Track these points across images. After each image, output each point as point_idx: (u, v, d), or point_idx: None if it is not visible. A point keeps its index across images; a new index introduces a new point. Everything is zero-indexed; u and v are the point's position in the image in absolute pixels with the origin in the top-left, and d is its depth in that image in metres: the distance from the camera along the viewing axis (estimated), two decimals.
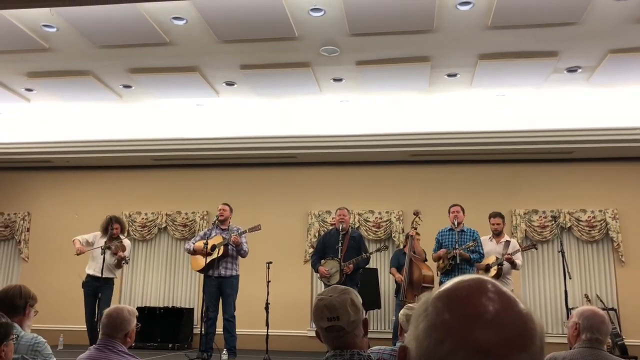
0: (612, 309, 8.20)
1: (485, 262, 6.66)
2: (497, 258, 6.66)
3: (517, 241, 7.68)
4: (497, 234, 6.92)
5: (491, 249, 6.79)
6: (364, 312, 2.14)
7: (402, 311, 3.51)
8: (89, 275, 7.00)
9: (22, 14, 5.92)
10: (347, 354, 2.02)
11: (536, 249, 7.54)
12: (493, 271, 6.59)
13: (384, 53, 6.72)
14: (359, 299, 2.13)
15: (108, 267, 6.93)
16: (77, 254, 7.01)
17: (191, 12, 5.82)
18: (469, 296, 0.75)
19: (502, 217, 6.97)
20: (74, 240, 7.14)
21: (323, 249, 6.84)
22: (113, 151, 9.14)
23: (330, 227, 7.71)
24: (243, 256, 6.82)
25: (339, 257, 6.48)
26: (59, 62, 7.10)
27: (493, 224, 6.92)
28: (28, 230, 9.81)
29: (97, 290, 6.90)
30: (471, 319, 0.72)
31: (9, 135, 9.27)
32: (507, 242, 6.86)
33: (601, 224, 8.55)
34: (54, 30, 6.26)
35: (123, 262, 7.02)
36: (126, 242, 7.21)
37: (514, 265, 6.71)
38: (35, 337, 2.92)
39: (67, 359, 3.83)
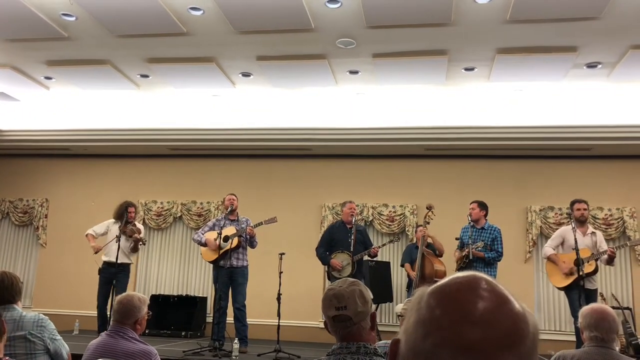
0: (628, 308, 8.10)
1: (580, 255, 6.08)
2: (592, 253, 6.11)
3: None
4: (581, 223, 6.31)
5: (580, 241, 6.06)
6: (372, 306, 2.14)
7: (399, 305, 3.51)
8: (105, 262, 7.11)
9: (42, 3, 5.98)
10: (354, 346, 2.02)
11: (627, 245, 6.99)
12: (590, 267, 5.96)
13: (401, 46, 6.67)
14: (368, 292, 2.14)
15: (124, 252, 7.02)
16: (95, 252, 7.12)
17: (208, 2, 5.83)
18: (458, 292, 0.74)
19: (587, 202, 6.36)
20: (87, 235, 7.24)
21: (330, 242, 6.84)
22: (130, 140, 9.23)
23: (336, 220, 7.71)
24: (253, 247, 6.86)
25: (350, 250, 6.48)
26: (78, 50, 7.17)
27: (579, 209, 6.28)
28: (46, 216, 9.96)
29: (113, 277, 7.02)
30: (458, 315, 0.71)
31: (28, 123, 9.40)
32: (593, 234, 6.35)
33: (618, 222, 8.44)
34: (73, 19, 6.31)
35: (140, 243, 7.14)
36: (139, 225, 7.40)
37: (611, 261, 6.15)
38: (37, 315, 3.12)
39: (82, 344, 3.90)
